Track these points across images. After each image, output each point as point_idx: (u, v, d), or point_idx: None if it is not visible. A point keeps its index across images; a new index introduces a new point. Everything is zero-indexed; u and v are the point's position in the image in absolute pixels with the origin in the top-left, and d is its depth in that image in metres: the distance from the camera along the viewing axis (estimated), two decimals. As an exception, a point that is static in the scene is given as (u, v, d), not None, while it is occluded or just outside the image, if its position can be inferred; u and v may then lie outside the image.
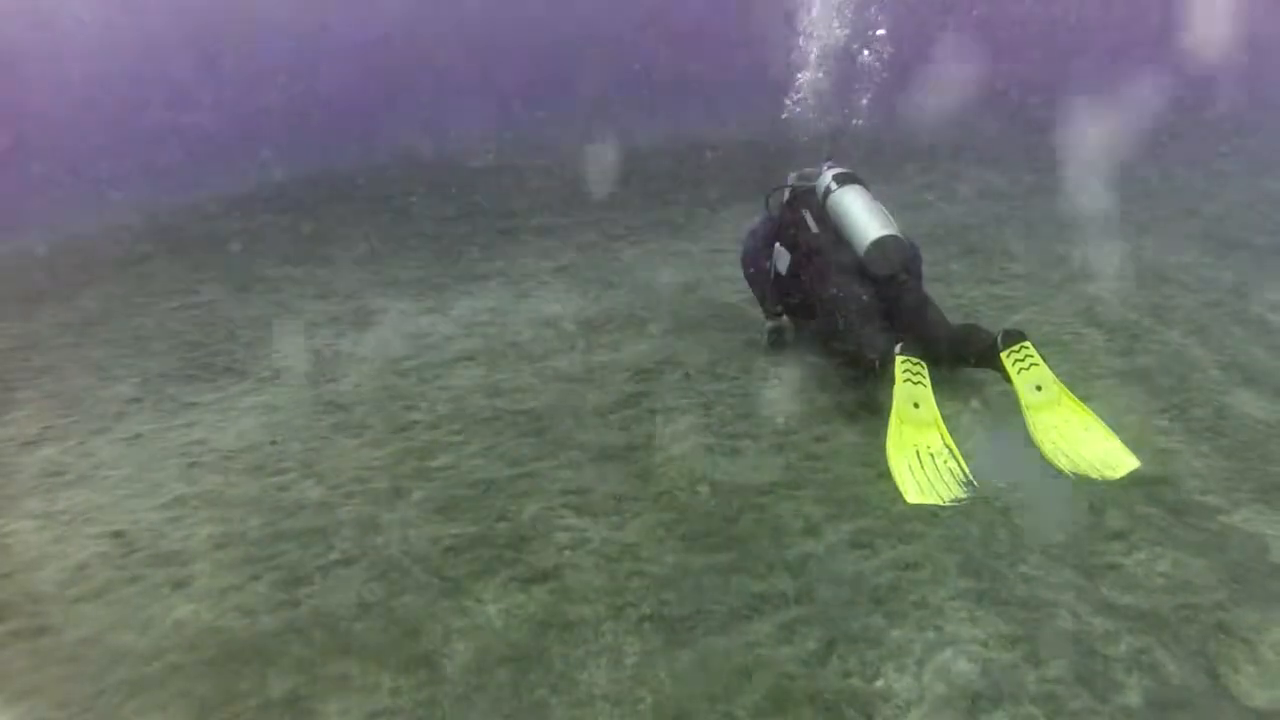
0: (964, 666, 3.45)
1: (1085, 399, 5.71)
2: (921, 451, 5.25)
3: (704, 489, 4.97)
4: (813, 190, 7.28)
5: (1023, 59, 23.45)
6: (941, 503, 4.83)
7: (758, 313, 7.81)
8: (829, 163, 7.39)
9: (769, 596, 3.96)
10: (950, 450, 5.25)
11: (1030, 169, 14.67)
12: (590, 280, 9.94)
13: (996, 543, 4.31)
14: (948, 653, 3.53)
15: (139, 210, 16.18)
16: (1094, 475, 4.96)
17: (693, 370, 6.80)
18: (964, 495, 4.88)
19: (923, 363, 5.69)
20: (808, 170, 7.56)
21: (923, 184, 14.14)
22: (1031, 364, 5.57)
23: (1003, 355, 5.64)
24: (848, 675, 3.44)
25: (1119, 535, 4.33)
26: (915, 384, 5.56)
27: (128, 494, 5.52)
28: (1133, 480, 4.86)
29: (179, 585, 4.36)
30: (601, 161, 16.03)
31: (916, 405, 5.48)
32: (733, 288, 8.96)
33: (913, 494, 4.92)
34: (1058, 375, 5.58)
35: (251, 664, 3.72)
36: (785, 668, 3.49)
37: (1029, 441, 5.33)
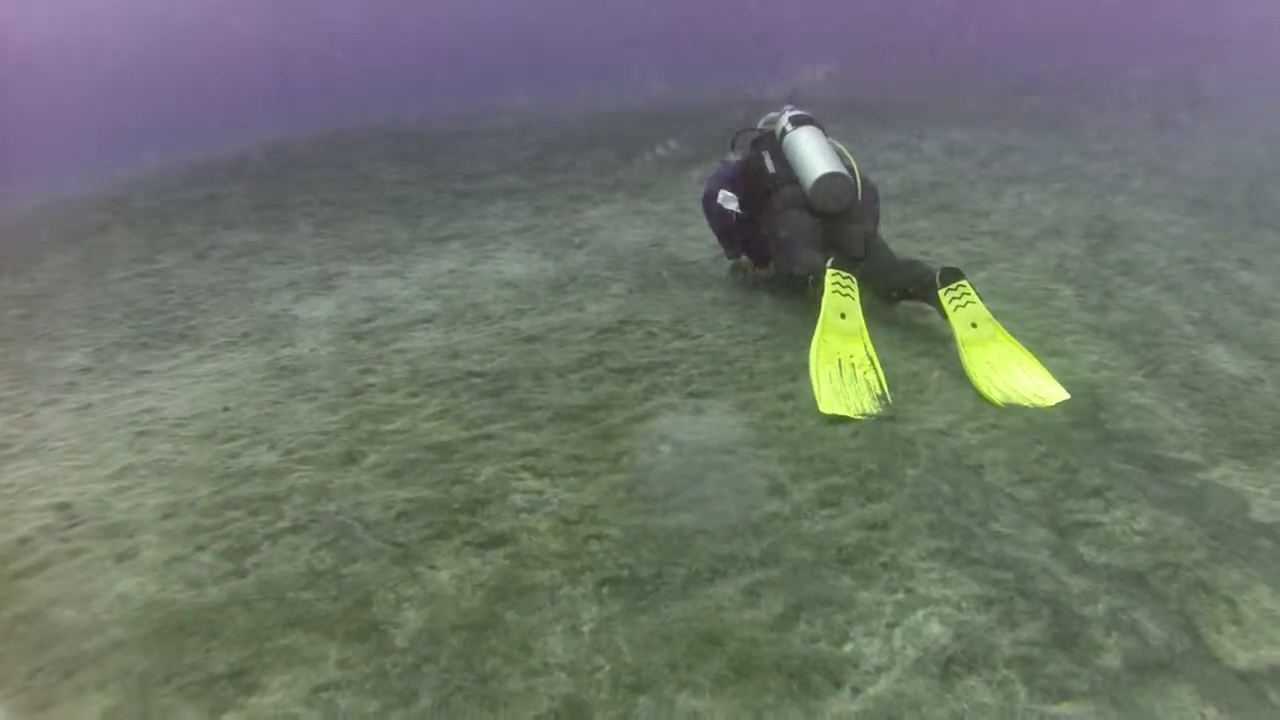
0: (936, 629, 3.33)
1: (1058, 355, 5.74)
2: (844, 360, 5.56)
3: (666, 449, 4.83)
4: (774, 133, 7.50)
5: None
6: (853, 415, 5.07)
7: (723, 271, 7.92)
8: (790, 107, 7.56)
9: (733, 558, 3.82)
10: (872, 361, 5.57)
11: (996, 128, 14.69)
12: (553, 241, 9.85)
13: (968, 501, 4.19)
14: (919, 615, 3.41)
15: (95, 181, 16.05)
16: (1025, 404, 5.18)
17: (656, 329, 6.67)
18: (877, 410, 5.13)
19: (852, 276, 6.04)
20: (772, 115, 7.76)
21: (889, 142, 14.12)
22: (968, 301, 5.85)
23: (940, 293, 5.94)
24: (815, 640, 3.30)
25: (1095, 492, 4.24)
26: (843, 295, 5.90)
27: (75, 465, 5.35)
28: (1107, 435, 4.81)
29: (123, 557, 4.19)
30: (565, 124, 15.98)
31: (843, 315, 5.82)
32: (698, 246, 8.91)
33: (826, 403, 5.18)
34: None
35: (195, 637, 3.56)
36: (749, 633, 3.35)
37: (963, 375, 5.57)
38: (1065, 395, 5.26)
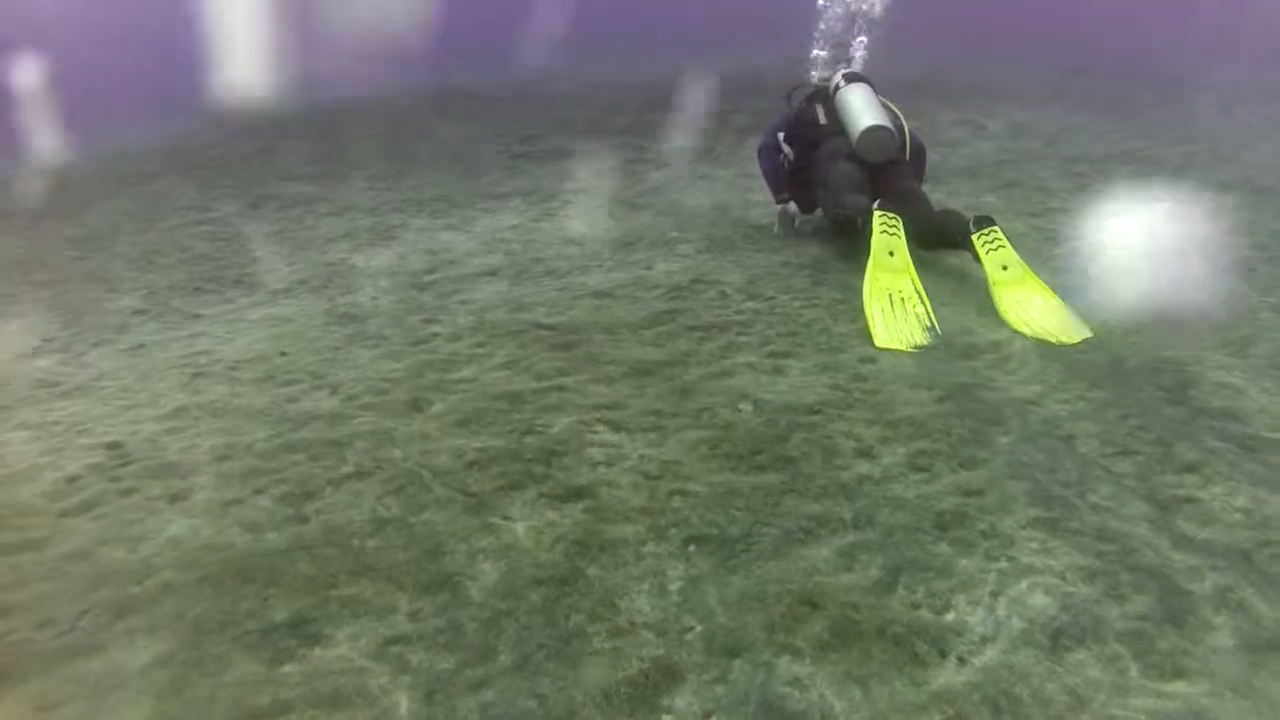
0: (1041, 600, 3.17)
1: (1138, 331, 5.58)
2: (894, 295, 5.98)
3: (747, 407, 4.68)
4: (827, 88, 7.95)
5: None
6: (906, 348, 5.47)
7: (790, 234, 8.04)
8: (843, 66, 8.27)
9: (825, 520, 3.66)
10: (920, 296, 5.99)
11: (1059, 108, 14.53)
12: (616, 201, 9.73)
13: (1063, 471, 4.03)
14: (1023, 585, 3.25)
15: (151, 132, 15.99)
16: (1051, 340, 5.54)
17: (729, 289, 6.54)
18: (927, 341, 5.55)
19: (898, 217, 6.51)
20: (826, 74, 8.34)
21: (953, 120, 13.96)
22: (999, 245, 6.24)
23: (974, 238, 6.34)
24: (916, 606, 3.15)
25: (1191, 468, 4.08)
26: (890, 235, 6.37)
27: (126, 404, 5.25)
28: (1198, 412, 4.65)
29: (176, 498, 4.08)
30: (625, 89, 15.88)
31: (891, 254, 6.29)
32: (764, 211, 8.76)
33: (881, 337, 5.59)
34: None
35: (253, 583, 3.43)
36: (848, 596, 3.20)
37: (995, 312, 5.95)
38: (1088, 334, 5.58)
